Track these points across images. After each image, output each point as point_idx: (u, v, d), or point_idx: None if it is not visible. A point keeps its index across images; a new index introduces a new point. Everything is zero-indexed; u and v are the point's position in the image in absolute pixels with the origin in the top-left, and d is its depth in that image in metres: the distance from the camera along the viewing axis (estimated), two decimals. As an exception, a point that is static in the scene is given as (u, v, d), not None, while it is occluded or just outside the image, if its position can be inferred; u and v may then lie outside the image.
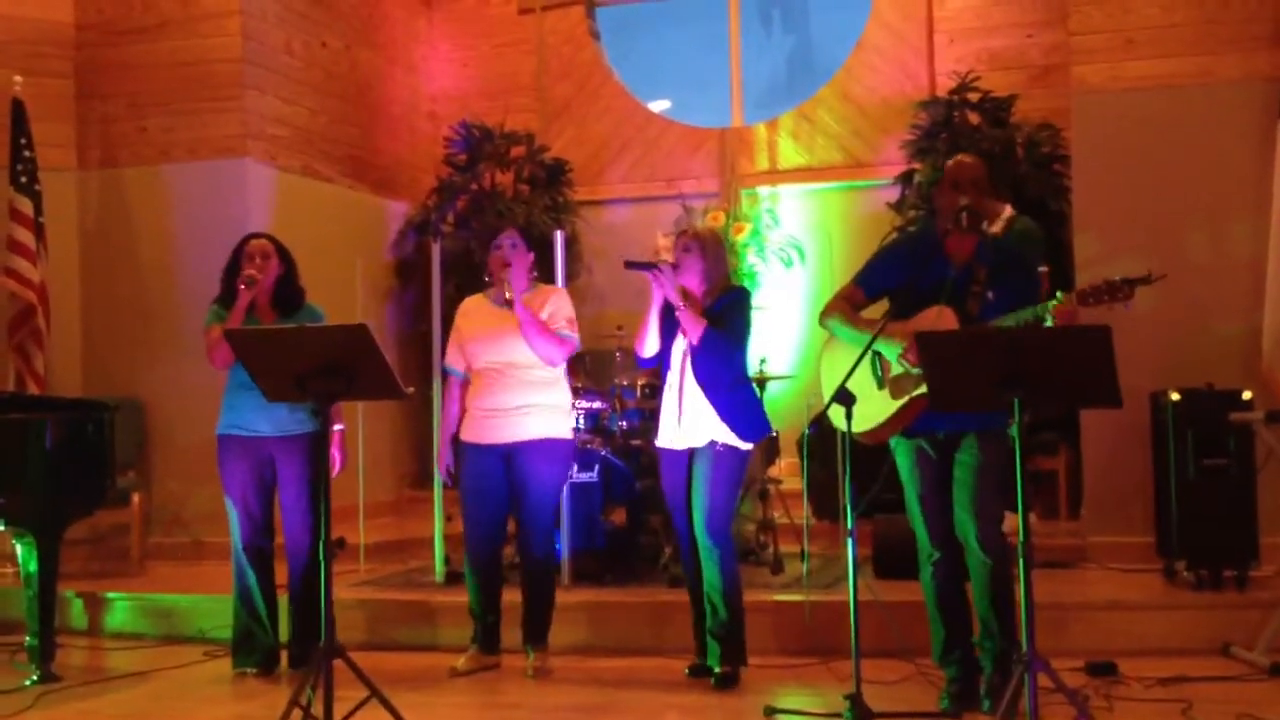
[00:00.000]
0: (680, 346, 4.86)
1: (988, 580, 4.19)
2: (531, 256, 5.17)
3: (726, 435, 4.76)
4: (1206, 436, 5.53)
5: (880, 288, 4.40)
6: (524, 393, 5.05)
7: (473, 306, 5.29)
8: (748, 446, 4.81)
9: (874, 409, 4.26)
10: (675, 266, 4.82)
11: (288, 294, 5.16)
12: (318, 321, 5.13)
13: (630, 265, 4.84)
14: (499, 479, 5.08)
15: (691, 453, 4.83)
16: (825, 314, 4.43)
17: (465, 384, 5.21)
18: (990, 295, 4.13)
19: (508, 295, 5.03)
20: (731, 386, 4.82)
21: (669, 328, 4.88)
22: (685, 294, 4.80)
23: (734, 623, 4.79)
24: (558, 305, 5.14)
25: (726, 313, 4.80)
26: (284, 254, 5.18)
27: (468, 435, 5.14)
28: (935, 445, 4.30)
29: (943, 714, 4.23)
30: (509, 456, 5.05)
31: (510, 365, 5.06)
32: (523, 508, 5.08)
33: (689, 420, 4.81)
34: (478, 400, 5.13)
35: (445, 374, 5.40)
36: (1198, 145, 6.27)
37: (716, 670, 4.78)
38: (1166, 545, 5.73)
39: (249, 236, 5.22)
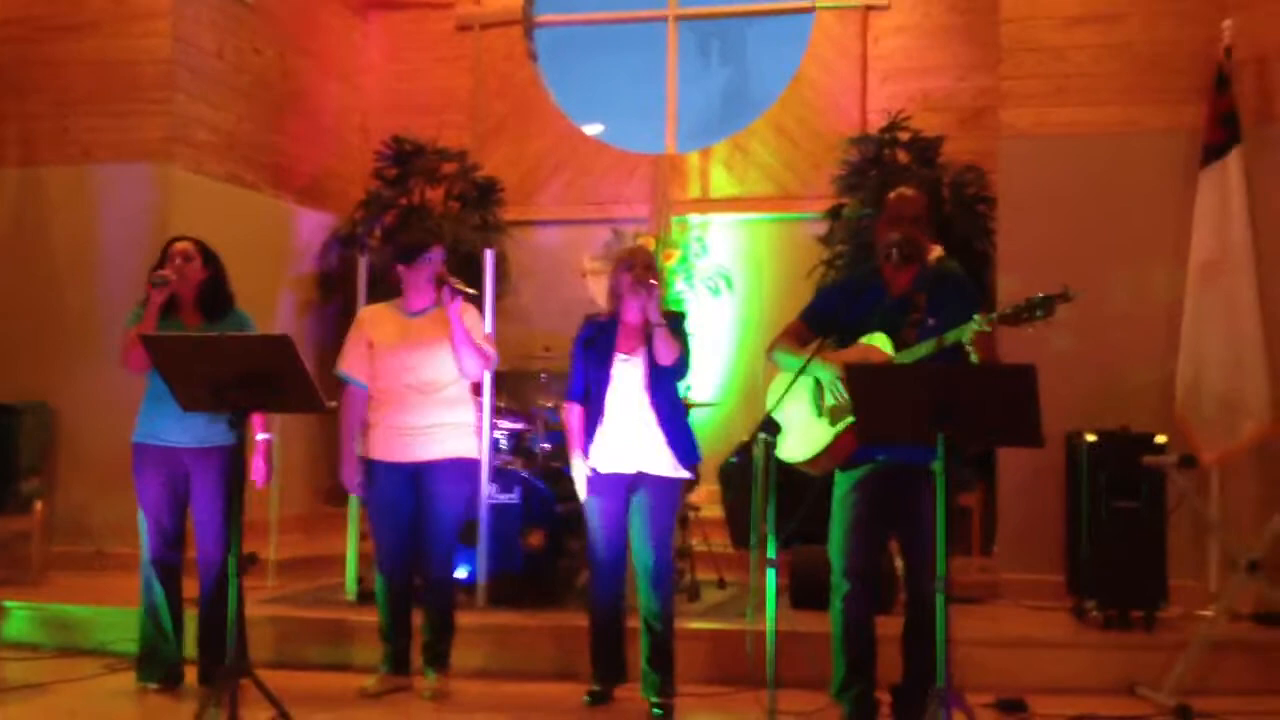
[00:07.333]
0: (630, 367, 4.77)
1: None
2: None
3: (670, 461, 4.75)
4: (1120, 478, 5.63)
5: (822, 320, 4.37)
6: (435, 411, 4.96)
7: (380, 316, 5.11)
8: (688, 474, 4.83)
9: (815, 437, 4.24)
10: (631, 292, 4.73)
11: (215, 298, 5.04)
12: (245, 328, 5.00)
13: (639, 285, 4.67)
14: (408, 498, 4.99)
15: (629, 480, 4.77)
16: (771, 346, 4.43)
17: (365, 395, 5.04)
18: (930, 321, 4.10)
19: (447, 305, 4.88)
20: (676, 412, 4.83)
21: (601, 350, 4.81)
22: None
23: (671, 653, 4.77)
24: (474, 321, 5.07)
25: (679, 337, 4.76)
26: (210, 257, 5.05)
27: (377, 453, 5.01)
28: (887, 475, 4.20)
29: None
30: (417, 475, 4.96)
31: (425, 383, 4.96)
32: (426, 527, 4.98)
33: (636, 444, 4.75)
34: (386, 417, 4.99)
35: (342, 381, 5.11)
36: (1121, 193, 6.39)
37: (656, 700, 4.69)
38: (1077, 584, 5.81)
39: (174, 239, 5.10)
